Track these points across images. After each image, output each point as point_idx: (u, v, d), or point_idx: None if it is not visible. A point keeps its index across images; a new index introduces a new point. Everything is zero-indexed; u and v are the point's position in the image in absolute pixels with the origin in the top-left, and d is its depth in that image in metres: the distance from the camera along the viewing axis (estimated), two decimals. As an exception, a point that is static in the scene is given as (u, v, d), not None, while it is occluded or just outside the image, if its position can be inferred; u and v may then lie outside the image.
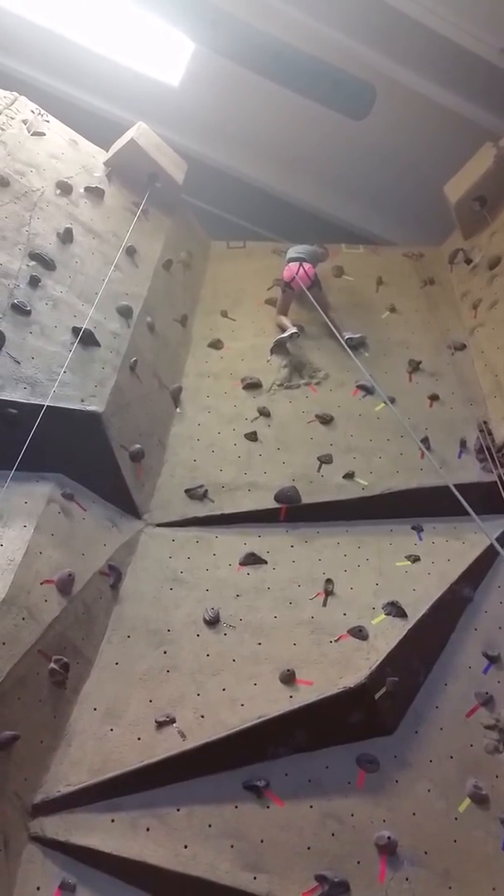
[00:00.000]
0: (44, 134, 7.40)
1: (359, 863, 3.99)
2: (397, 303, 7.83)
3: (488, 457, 6.11)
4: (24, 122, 7.34)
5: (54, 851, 3.81)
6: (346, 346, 6.28)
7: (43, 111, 7.65)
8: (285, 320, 7.32)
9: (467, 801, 4.36)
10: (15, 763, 3.87)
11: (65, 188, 6.98)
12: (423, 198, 9.02)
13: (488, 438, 6.28)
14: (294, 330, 7.06)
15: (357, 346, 7.05)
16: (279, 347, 7.06)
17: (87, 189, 7.26)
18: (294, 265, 7.33)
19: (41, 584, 4.51)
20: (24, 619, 4.24)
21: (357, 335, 7.15)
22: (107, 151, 7.96)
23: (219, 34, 8.10)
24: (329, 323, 6.89)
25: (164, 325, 6.94)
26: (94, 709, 4.38)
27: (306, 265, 7.30)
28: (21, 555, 4.53)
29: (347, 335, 6.98)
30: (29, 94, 7.73)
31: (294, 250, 7.63)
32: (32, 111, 7.55)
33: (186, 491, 5.89)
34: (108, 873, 3.79)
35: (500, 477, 5.87)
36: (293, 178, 9.56)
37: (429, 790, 4.36)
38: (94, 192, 7.30)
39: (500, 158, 7.80)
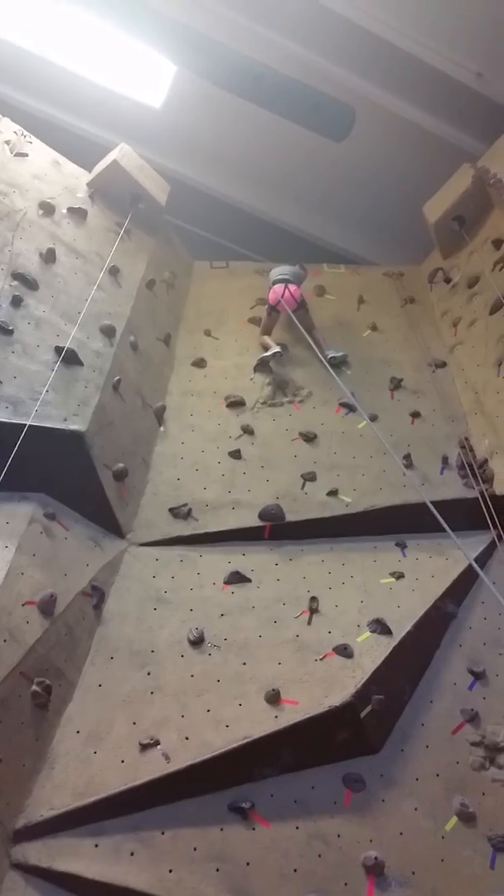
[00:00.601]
0: (27, 155, 7.44)
1: (346, 884, 3.95)
2: (378, 321, 7.90)
3: (470, 473, 6.16)
4: (7, 142, 7.38)
5: (36, 878, 3.74)
6: (327, 366, 6.33)
7: (26, 132, 7.69)
8: (269, 340, 7.33)
9: (454, 819, 4.33)
10: (-4, 788, 3.82)
11: (48, 209, 7.00)
12: (403, 218, 9.12)
13: (469, 454, 6.33)
14: (277, 349, 7.08)
15: (339, 364, 7.11)
16: (262, 366, 7.10)
17: (70, 210, 7.29)
18: (279, 287, 7.31)
19: (23, 605, 4.47)
20: (5, 640, 4.19)
21: (340, 353, 7.20)
22: (90, 172, 8.01)
23: (200, 57, 8.18)
24: (312, 344, 6.86)
25: (148, 344, 6.96)
26: (77, 731, 4.32)
27: (292, 287, 7.29)
28: (2, 576, 4.48)
29: (331, 353, 7.04)
30: (12, 116, 7.77)
31: (278, 272, 7.61)
32: (15, 132, 7.59)
33: (170, 510, 5.87)
34: (91, 900, 3.73)
35: (481, 493, 5.90)
36: (275, 199, 9.65)
37: (415, 809, 4.34)
38: (77, 213, 7.33)
39: (478, 179, 7.92)
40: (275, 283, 7.44)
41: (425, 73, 8.16)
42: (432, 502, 5.76)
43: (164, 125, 9.01)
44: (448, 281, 8.11)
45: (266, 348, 7.23)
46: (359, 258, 9.88)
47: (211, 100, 8.62)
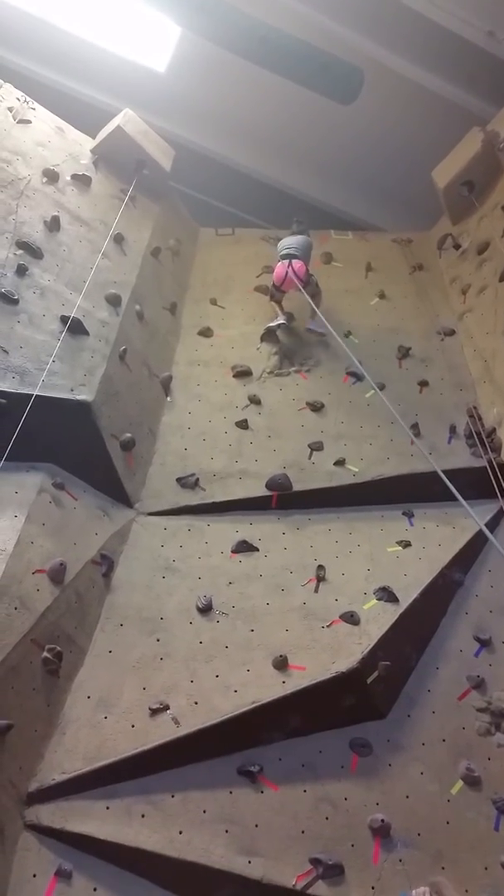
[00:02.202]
0: (30, 121, 7.33)
1: (353, 846, 4.03)
2: (386, 289, 7.82)
3: (478, 442, 6.14)
4: (10, 109, 7.27)
5: (50, 839, 3.82)
6: (336, 336, 6.26)
7: (28, 98, 7.57)
8: (277, 307, 7.24)
9: (460, 783, 4.40)
10: (9, 752, 3.88)
11: (51, 176, 6.92)
12: (412, 183, 8.99)
13: (478, 423, 6.30)
14: (282, 319, 7.00)
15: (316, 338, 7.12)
16: (269, 335, 7.05)
17: (74, 177, 7.21)
18: (282, 266, 6.94)
19: (33, 573, 4.50)
20: (16, 608, 4.24)
21: (320, 330, 6.98)
22: (93, 139, 7.90)
23: (205, 18, 8.00)
24: (316, 311, 6.77)
25: (154, 313, 6.92)
26: (88, 697, 4.39)
27: (296, 263, 6.90)
28: (12, 545, 4.51)
29: (310, 326, 7.06)
30: (14, 81, 7.64)
31: (283, 245, 7.23)
32: (18, 98, 7.47)
33: (178, 479, 5.88)
34: (103, 860, 3.80)
35: (489, 462, 5.89)
36: (281, 164, 9.51)
37: (421, 773, 4.40)
38: (81, 180, 7.25)
39: (488, 143, 7.77)
40: (280, 258, 7.11)
41: (434, 33, 7.98)
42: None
43: (168, 90, 8.87)
44: (457, 247, 8.00)
45: (275, 315, 7.16)
46: (367, 224, 9.75)
47: (216, 63, 8.46)
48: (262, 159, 9.47)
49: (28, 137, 7.14)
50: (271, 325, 7.02)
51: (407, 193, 9.39)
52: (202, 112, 9.11)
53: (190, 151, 9.05)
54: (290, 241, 7.24)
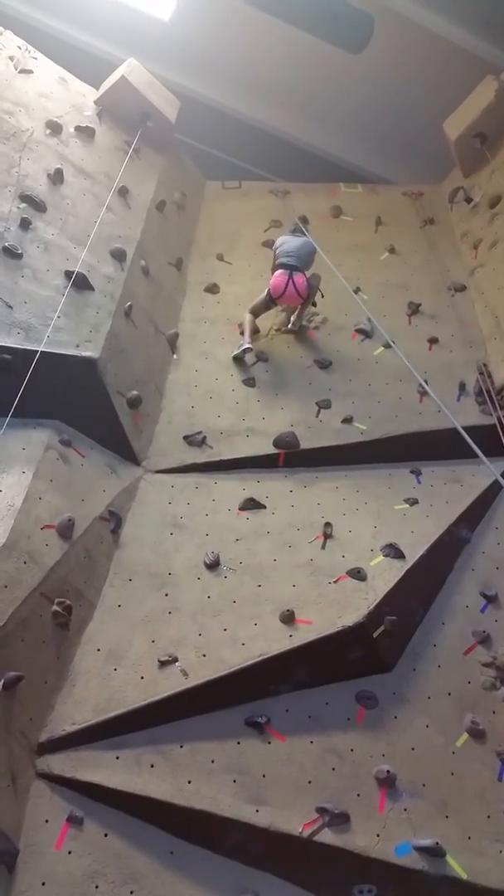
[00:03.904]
0: (31, 71, 7.18)
1: (359, 795, 4.09)
2: (396, 243, 7.69)
3: (487, 399, 6.08)
4: (11, 58, 7.10)
5: (61, 787, 3.89)
6: (349, 287, 6.16)
7: (30, 47, 7.39)
8: (247, 324, 6.49)
9: (465, 735, 4.45)
10: (20, 703, 3.93)
11: (55, 128, 6.79)
12: (422, 134, 8.81)
13: (488, 381, 6.24)
14: (248, 345, 6.29)
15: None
16: (238, 360, 6.42)
17: (78, 128, 7.07)
18: (282, 277, 6.30)
19: (41, 528, 4.52)
20: (25, 562, 4.26)
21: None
22: (97, 90, 7.73)
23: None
24: (295, 315, 6.51)
25: (159, 268, 6.83)
26: (98, 649, 4.43)
27: (297, 279, 6.29)
28: (21, 500, 4.53)
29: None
30: (14, 29, 7.46)
31: (285, 249, 6.47)
32: (19, 47, 7.31)
33: (185, 437, 5.87)
34: (114, 807, 3.88)
35: (499, 420, 5.85)
36: (289, 115, 9.29)
37: (427, 726, 4.45)
38: (85, 132, 7.11)
39: (502, 92, 7.57)
40: (279, 265, 6.41)
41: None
42: (448, 430, 5.78)
43: (173, 39, 8.64)
44: (469, 200, 7.85)
45: (242, 333, 6.50)
46: (377, 177, 9.55)
47: (222, 10, 8.24)
48: (270, 110, 9.25)
49: (30, 88, 6.99)
50: (236, 352, 6.36)
51: (418, 145, 9.19)
52: (208, 62, 8.89)
53: (196, 102, 8.85)
54: (291, 247, 6.48)
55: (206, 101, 9.06)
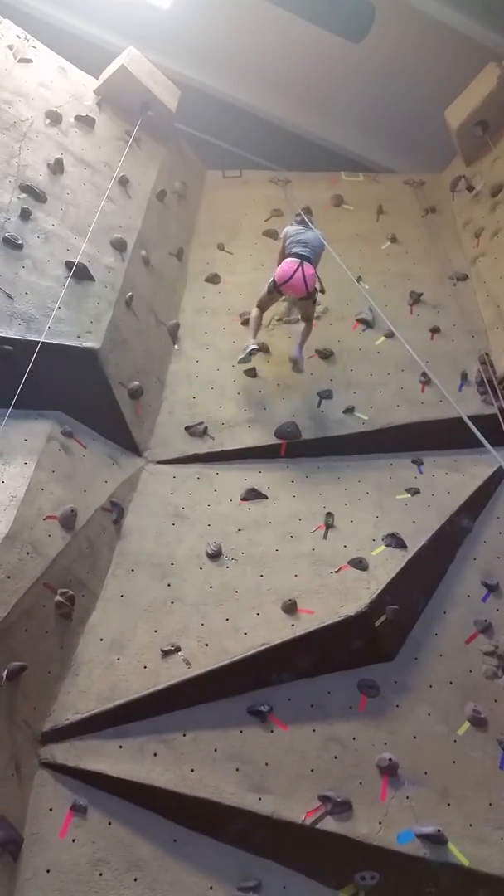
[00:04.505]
0: (31, 61, 7.13)
1: (361, 783, 4.12)
2: (398, 232, 7.66)
3: (489, 389, 6.07)
4: (10, 47, 7.05)
5: (65, 776, 3.92)
6: (352, 278, 6.12)
7: (29, 36, 7.34)
8: (254, 321, 6.20)
9: (466, 724, 4.47)
10: (23, 693, 3.95)
11: (54, 118, 6.75)
12: (424, 123, 8.74)
13: (489, 370, 6.23)
14: (254, 346, 6.02)
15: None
16: (245, 362, 6.13)
17: (78, 118, 7.03)
18: (291, 264, 5.91)
19: (44, 519, 4.53)
20: (28, 553, 4.27)
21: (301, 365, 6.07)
22: (97, 79, 7.68)
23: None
24: (300, 336, 6.10)
25: (160, 258, 6.81)
26: (101, 639, 4.45)
27: (308, 269, 5.90)
28: (23, 491, 4.53)
29: (294, 356, 6.02)
30: (13, 18, 7.40)
31: (299, 239, 6.09)
32: (18, 36, 7.25)
33: (186, 428, 5.87)
34: (117, 796, 3.90)
35: (500, 409, 5.84)
36: (290, 104, 9.24)
37: (429, 714, 4.47)
38: (85, 122, 7.07)
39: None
40: (290, 254, 6.03)
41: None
42: (450, 419, 5.78)
43: (173, 27, 8.58)
44: (471, 189, 7.81)
45: (247, 323, 6.29)
46: (378, 166, 9.50)
47: (222, -2, 8.18)
48: (270, 99, 9.20)
49: (29, 77, 6.94)
50: (242, 355, 6.05)
51: (419, 133, 9.13)
52: (208, 51, 8.83)
53: (196, 91, 8.79)
54: (306, 238, 6.11)
55: (207, 90, 9.00)
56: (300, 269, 5.85)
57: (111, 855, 3.70)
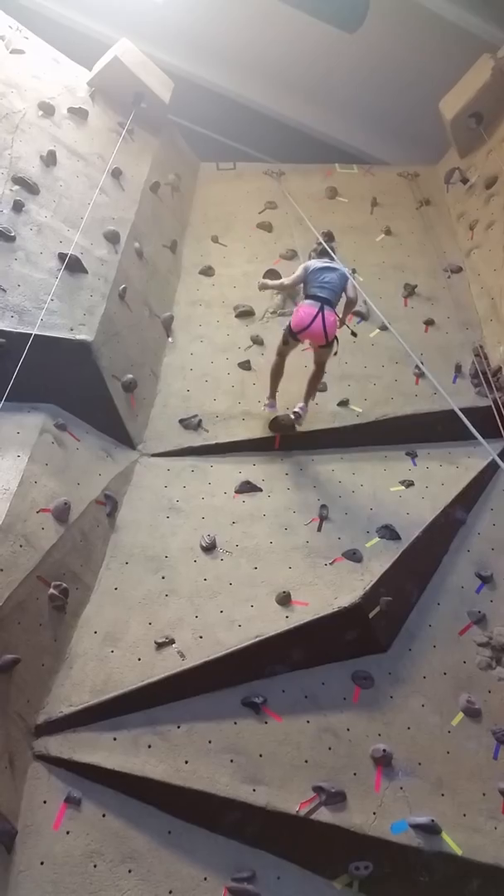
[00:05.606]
0: (23, 51, 7.10)
1: (355, 774, 4.12)
2: (392, 225, 7.65)
3: (483, 381, 6.08)
4: (2, 38, 7.02)
5: (59, 769, 3.91)
6: (348, 273, 6.10)
7: (21, 27, 7.30)
8: (273, 373, 5.74)
9: (460, 714, 4.48)
10: (16, 685, 3.94)
11: (47, 109, 6.72)
12: (418, 114, 8.74)
13: (484, 363, 6.23)
14: (272, 407, 5.76)
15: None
16: (284, 428, 5.76)
17: (71, 110, 7.00)
18: (310, 310, 5.24)
19: (37, 512, 4.52)
20: (21, 546, 4.26)
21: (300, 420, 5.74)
22: (90, 70, 7.65)
23: None
24: (308, 386, 5.64)
25: (153, 251, 6.78)
26: (95, 632, 4.45)
27: (330, 316, 5.26)
28: (16, 484, 4.52)
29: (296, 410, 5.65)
30: (5, 8, 7.36)
31: (321, 280, 5.34)
32: (10, 26, 7.22)
33: (180, 421, 5.86)
34: (112, 788, 3.90)
35: (495, 401, 5.84)
36: (284, 96, 9.22)
37: (423, 705, 4.48)
38: (78, 113, 7.04)
39: (498, 71, 7.51)
40: (310, 295, 5.35)
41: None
42: (444, 412, 5.77)
43: (166, 18, 8.55)
44: (465, 181, 7.80)
45: (270, 377, 5.76)
46: (372, 158, 9.49)
47: (216, -12, 8.14)
48: (264, 91, 9.18)
49: (22, 68, 6.92)
50: (285, 423, 5.68)
51: (413, 125, 9.12)
52: (202, 42, 8.80)
53: (189, 83, 8.77)
54: (330, 278, 5.36)
55: (200, 81, 8.99)
56: (320, 314, 5.22)
57: (105, 847, 3.69)
